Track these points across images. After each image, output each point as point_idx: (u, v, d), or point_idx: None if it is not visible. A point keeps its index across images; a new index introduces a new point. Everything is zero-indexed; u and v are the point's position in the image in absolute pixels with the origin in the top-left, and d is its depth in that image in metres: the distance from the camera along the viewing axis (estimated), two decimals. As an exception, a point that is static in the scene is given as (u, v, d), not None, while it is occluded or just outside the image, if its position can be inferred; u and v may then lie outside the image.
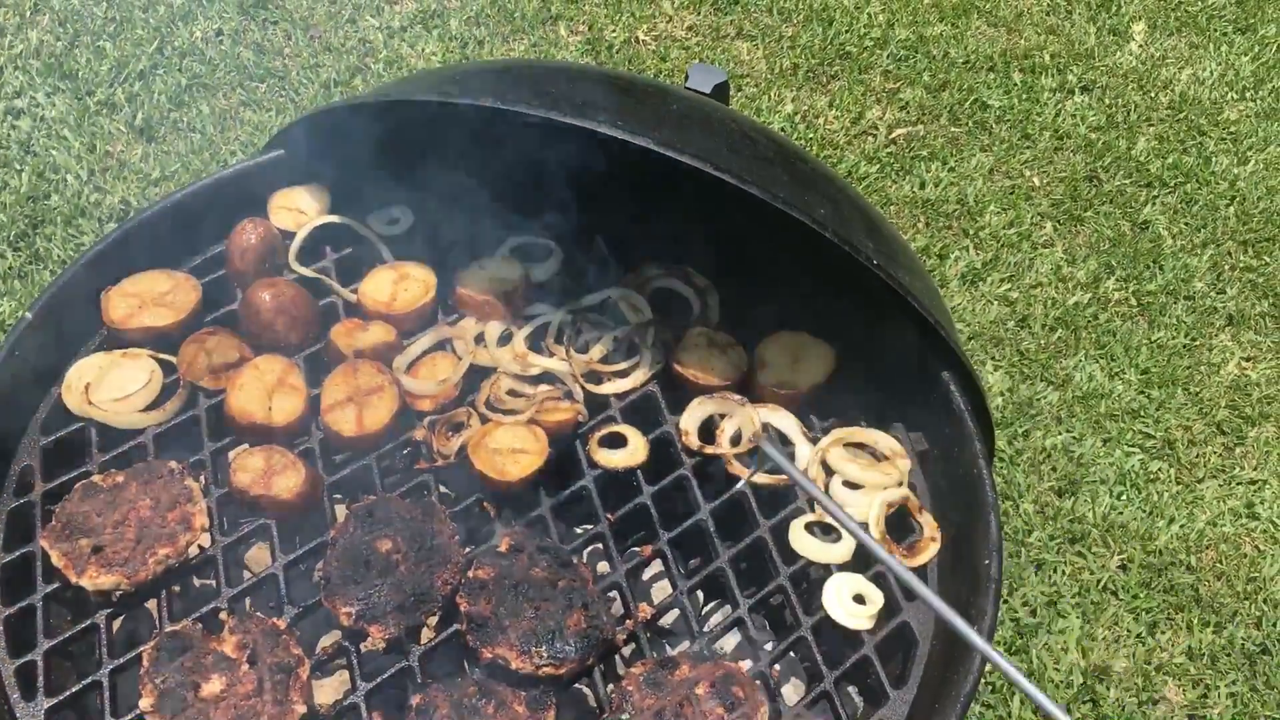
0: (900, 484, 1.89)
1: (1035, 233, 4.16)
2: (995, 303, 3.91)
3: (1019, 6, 5.07)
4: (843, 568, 1.80)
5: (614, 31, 4.75)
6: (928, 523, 1.86)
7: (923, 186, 4.29)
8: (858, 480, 1.88)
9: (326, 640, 1.85)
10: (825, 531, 1.85)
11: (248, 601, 1.79)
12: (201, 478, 1.82)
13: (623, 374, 2.02)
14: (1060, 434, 3.58)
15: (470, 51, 4.61)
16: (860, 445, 1.95)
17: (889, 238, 1.96)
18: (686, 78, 2.30)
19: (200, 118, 4.19)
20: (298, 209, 2.16)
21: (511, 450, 1.85)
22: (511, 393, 1.96)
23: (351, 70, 4.44)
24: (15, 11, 4.47)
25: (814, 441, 1.95)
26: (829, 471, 1.91)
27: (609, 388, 2.00)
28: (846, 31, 4.86)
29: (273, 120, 4.21)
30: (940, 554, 1.84)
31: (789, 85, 4.63)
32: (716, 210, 2.11)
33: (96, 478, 1.76)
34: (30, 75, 4.24)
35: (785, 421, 1.97)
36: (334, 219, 2.16)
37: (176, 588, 1.76)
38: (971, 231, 4.14)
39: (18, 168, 3.94)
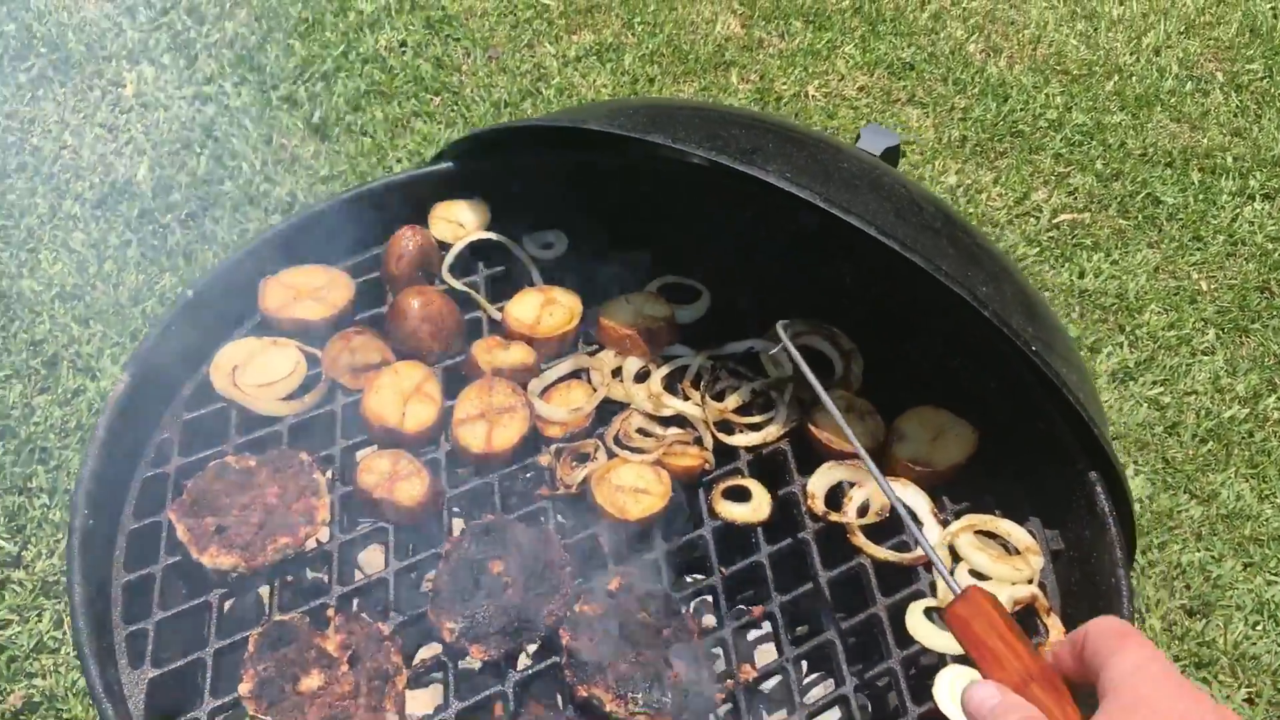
0: (1030, 581, 1.80)
1: (1196, 338, 3.99)
2: (1145, 405, 3.75)
3: (1206, 105, 4.89)
4: (959, 660, 1.72)
5: (784, 84, 4.75)
6: (1055, 626, 1.77)
7: (1082, 276, 4.15)
8: (986, 571, 1.80)
9: (425, 652, 1.85)
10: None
11: (355, 602, 1.79)
12: (329, 473, 1.84)
13: (755, 427, 1.98)
14: (1199, 551, 3.40)
15: (640, 88, 4.65)
16: (992, 535, 1.87)
17: (1048, 324, 1.89)
18: (858, 138, 2.27)
19: (373, 123, 4.32)
20: (457, 221, 2.19)
21: (634, 489, 1.82)
22: (641, 431, 1.94)
23: (523, 93, 4.52)
24: (216, 2, 4.69)
25: (944, 524, 1.88)
26: (956, 558, 1.83)
27: (740, 439, 1.96)
28: (1021, 109, 4.76)
29: (441, 133, 4.32)
30: (1064, 661, 1.74)
31: (955, 157, 4.55)
32: (873, 274, 2.07)
33: (230, 459, 1.80)
34: (221, 64, 4.44)
35: (916, 499, 1.90)
36: (490, 236, 2.18)
37: (290, 578, 1.78)
38: (1128, 328, 3.99)
39: (198, 150, 4.11)
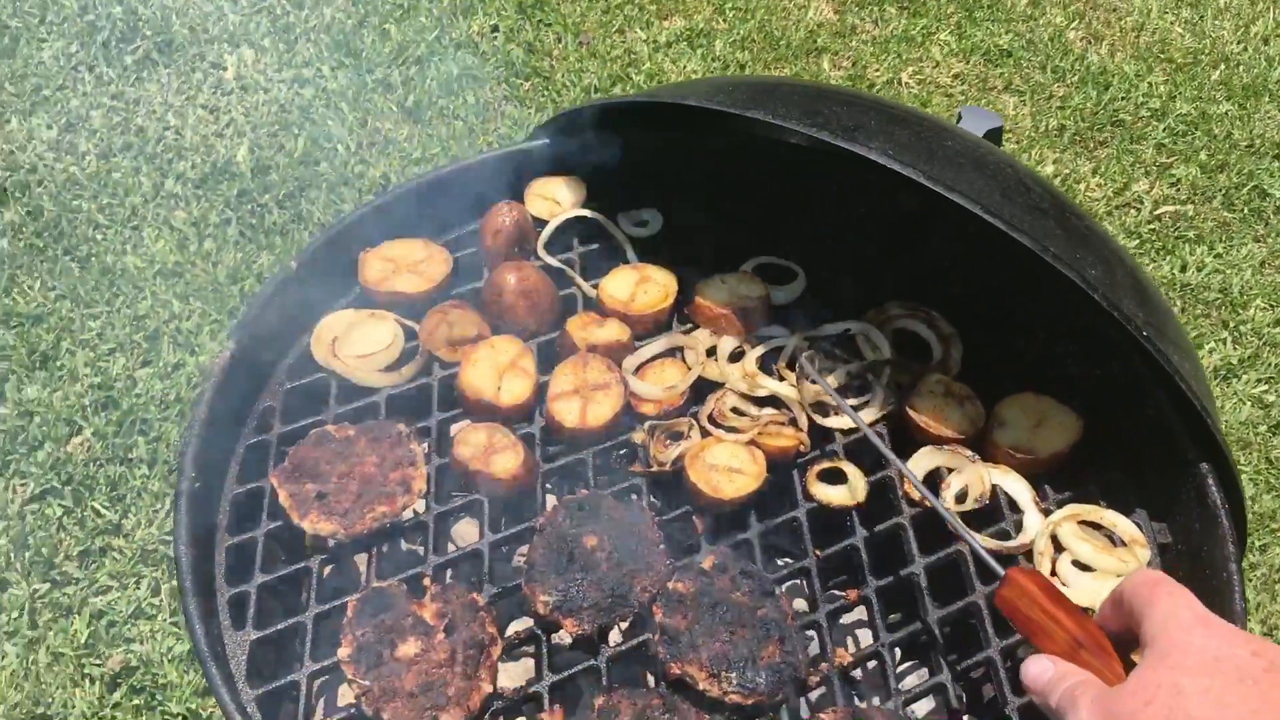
0: (1136, 574, 1.75)
1: (1304, 335, 3.86)
2: (1248, 403, 3.64)
3: (1318, 94, 4.72)
4: (1060, 651, 1.68)
5: (877, 71, 4.69)
6: (1160, 620, 1.71)
7: (1184, 269, 4.03)
8: (1090, 562, 1.75)
9: (518, 625, 1.86)
10: (1046, 609, 1.73)
11: (448, 573, 1.81)
12: (425, 444, 1.85)
13: (852, 410, 1.95)
14: (1305, 554, 3.29)
15: (731, 74, 4.62)
16: (1096, 526, 1.82)
17: (1160, 310, 1.83)
18: (958, 119, 2.22)
19: (465, 107, 4.36)
20: (553, 198, 2.19)
21: (728, 469, 1.81)
22: (736, 410, 1.93)
23: (614, 78, 4.52)
24: (315, -13, 4.76)
25: (1046, 513, 1.83)
26: (1058, 548, 1.79)
27: (835, 421, 1.94)
28: (1123, 99, 4.64)
29: (532, 117, 4.33)
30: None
31: (1053, 146, 4.45)
32: (975, 256, 2.03)
33: (330, 428, 1.82)
34: (319, 48, 4.51)
35: (1017, 487, 1.85)
36: (586, 213, 2.18)
37: (385, 547, 1.79)
38: (1232, 324, 3.87)
39: (295, 132, 4.18)
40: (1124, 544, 1.79)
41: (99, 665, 2.95)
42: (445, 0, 4.78)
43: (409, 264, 2.04)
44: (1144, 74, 4.77)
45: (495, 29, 4.73)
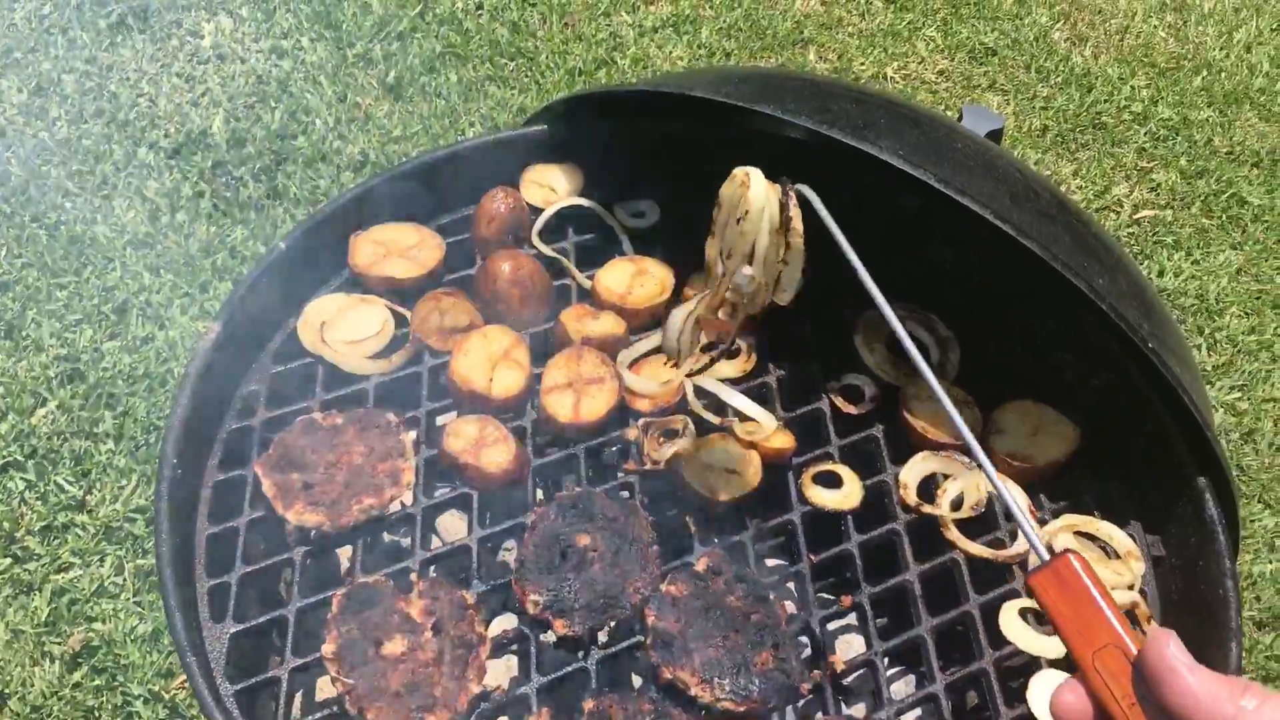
0: (1131, 587, 1.74)
1: (1277, 344, 3.87)
2: (1221, 410, 3.65)
3: (1298, 104, 4.75)
4: (1055, 664, 1.67)
5: (863, 65, 4.66)
6: (1154, 635, 1.70)
7: (1161, 275, 4.05)
8: (1084, 574, 1.74)
9: (504, 623, 1.82)
10: (1040, 621, 1.72)
11: (432, 568, 1.76)
12: (414, 435, 1.80)
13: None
14: (1272, 562, 3.31)
15: (717, 62, 4.58)
16: (1091, 537, 1.81)
17: (1164, 321, 1.82)
18: (960, 117, 2.20)
19: (448, 85, 4.28)
20: (549, 186, 2.15)
21: (725, 469, 1.78)
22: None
23: (598, 62, 4.46)
24: (296, -43, 4.65)
25: (1042, 523, 1.82)
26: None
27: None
28: (1105, 101, 4.64)
29: (515, 98, 4.27)
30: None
31: (1035, 147, 4.44)
32: (977, 260, 2.00)
33: (317, 416, 1.77)
34: (299, 19, 4.41)
35: (1012, 496, 1.83)
36: (582, 202, 2.13)
37: (369, 540, 1.75)
38: (1207, 331, 3.88)
39: (273, 105, 4.09)
40: (1119, 556, 1.78)
41: (59, 644, 2.88)
42: (429, -25, 4.70)
43: (400, 249, 1.99)
44: (1127, 77, 4.77)
45: (480, 7, 4.65)
